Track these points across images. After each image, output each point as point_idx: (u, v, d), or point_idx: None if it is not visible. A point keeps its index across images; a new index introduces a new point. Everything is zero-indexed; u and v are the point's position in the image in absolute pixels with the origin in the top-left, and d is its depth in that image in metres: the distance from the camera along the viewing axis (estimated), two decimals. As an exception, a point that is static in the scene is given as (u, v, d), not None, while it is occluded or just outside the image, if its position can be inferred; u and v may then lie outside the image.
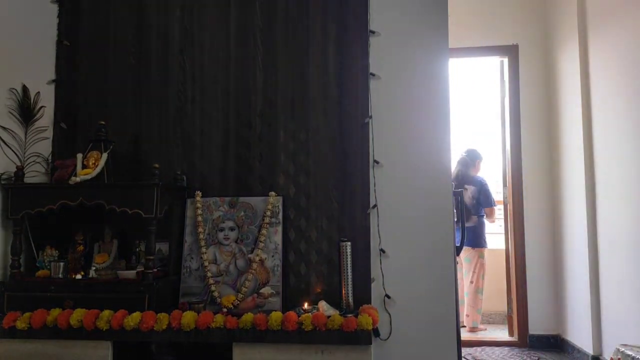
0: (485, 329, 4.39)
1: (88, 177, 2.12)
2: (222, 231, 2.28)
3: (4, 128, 2.22)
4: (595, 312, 3.17)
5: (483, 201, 4.23)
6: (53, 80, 2.50)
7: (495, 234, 5.80)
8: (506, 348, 3.75)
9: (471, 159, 4.36)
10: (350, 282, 2.14)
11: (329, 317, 1.95)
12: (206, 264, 2.21)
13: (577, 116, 3.36)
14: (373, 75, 2.37)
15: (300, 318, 1.94)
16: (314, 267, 2.30)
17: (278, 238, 2.24)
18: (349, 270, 2.14)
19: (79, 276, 2.14)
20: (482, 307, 4.34)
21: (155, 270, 2.11)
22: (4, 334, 1.99)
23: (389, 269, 2.29)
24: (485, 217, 4.31)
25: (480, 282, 4.26)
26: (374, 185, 2.32)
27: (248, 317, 1.95)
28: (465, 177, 4.26)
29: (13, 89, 2.28)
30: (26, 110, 2.32)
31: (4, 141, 2.22)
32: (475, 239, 4.19)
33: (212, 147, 2.42)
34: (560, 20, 3.67)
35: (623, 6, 2.90)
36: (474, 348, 3.77)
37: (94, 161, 2.18)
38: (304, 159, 2.37)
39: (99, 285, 2.08)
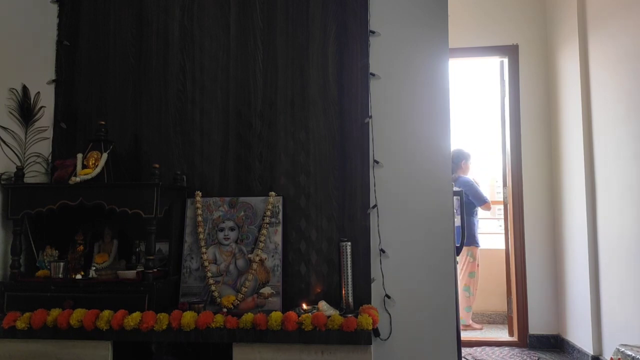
0: (481, 328, 4.39)
1: (88, 177, 2.12)
2: (222, 231, 2.28)
3: (4, 128, 2.22)
4: (595, 312, 3.17)
5: (474, 200, 4.25)
6: (53, 80, 2.50)
7: (495, 234, 5.82)
8: (506, 348, 3.75)
9: (455, 161, 4.30)
10: (350, 282, 2.14)
11: (329, 317, 1.95)
12: (206, 264, 2.21)
13: (577, 116, 3.36)
14: (373, 75, 2.37)
15: (300, 318, 1.94)
16: (314, 267, 2.30)
17: (278, 238, 2.24)
18: (349, 270, 2.14)
19: (79, 276, 2.14)
20: (473, 306, 4.35)
21: (155, 270, 2.11)
22: (4, 334, 1.99)
23: (389, 269, 2.29)
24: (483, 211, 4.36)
25: (468, 281, 4.27)
26: (374, 185, 2.32)
27: (248, 317, 1.95)
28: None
29: (13, 89, 2.27)
30: (26, 110, 2.32)
31: (4, 141, 2.21)
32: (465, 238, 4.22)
33: (212, 147, 2.42)
34: (560, 20, 3.68)
35: (623, 7, 2.90)
36: (474, 348, 3.78)
37: (94, 161, 2.18)
38: (304, 159, 2.37)
39: (99, 285, 2.07)
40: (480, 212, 4.49)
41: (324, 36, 2.42)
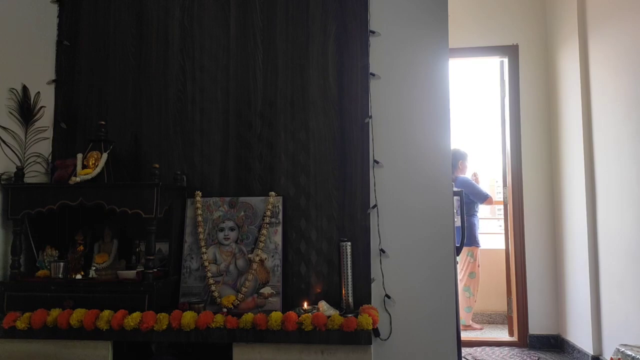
0: (481, 329, 4.39)
1: (88, 177, 2.12)
2: (222, 231, 2.28)
3: (4, 128, 2.22)
4: (595, 312, 3.18)
5: (475, 198, 4.24)
6: (53, 80, 2.50)
7: (495, 234, 5.82)
8: (506, 348, 3.75)
9: (452, 162, 4.29)
10: (350, 282, 2.14)
11: (329, 317, 1.95)
12: (206, 264, 2.21)
13: (577, 116, 3.37)
14: (373, 75, 2.37)
15: (300, 318, 1.94)
16: (314, 267, 2.30)
17: (278, 238, 2.24)
18: (349, 270, 2.14)
19: (79, 276, 2.14)
20: (474, 307, 4.35)
21: (155, 270, 2.11)
22: (4, 334, 1.99)
23: (389, 269, 2.29)
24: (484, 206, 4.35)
25: (468, 281, 4.27)
26: (374, 185, 2.32)
27: (248, 317, 1.95)
28: None
29: (13, 89, 2.27)
30: (26, 110, 2.32)
31: (4, 141, 2.21)
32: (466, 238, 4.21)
33: (212, 147, 2.42)
34: (560, 20, 3.68)
35: (623, 6, 2.90)
36: (474, 348, 3.78)
37: (94, 161, 2.18)
38: (304, 159, 2.37)
39: (99, 285, 2.07)
40: (481, 212, 4.49)
41: (324, 36, 2.42)
